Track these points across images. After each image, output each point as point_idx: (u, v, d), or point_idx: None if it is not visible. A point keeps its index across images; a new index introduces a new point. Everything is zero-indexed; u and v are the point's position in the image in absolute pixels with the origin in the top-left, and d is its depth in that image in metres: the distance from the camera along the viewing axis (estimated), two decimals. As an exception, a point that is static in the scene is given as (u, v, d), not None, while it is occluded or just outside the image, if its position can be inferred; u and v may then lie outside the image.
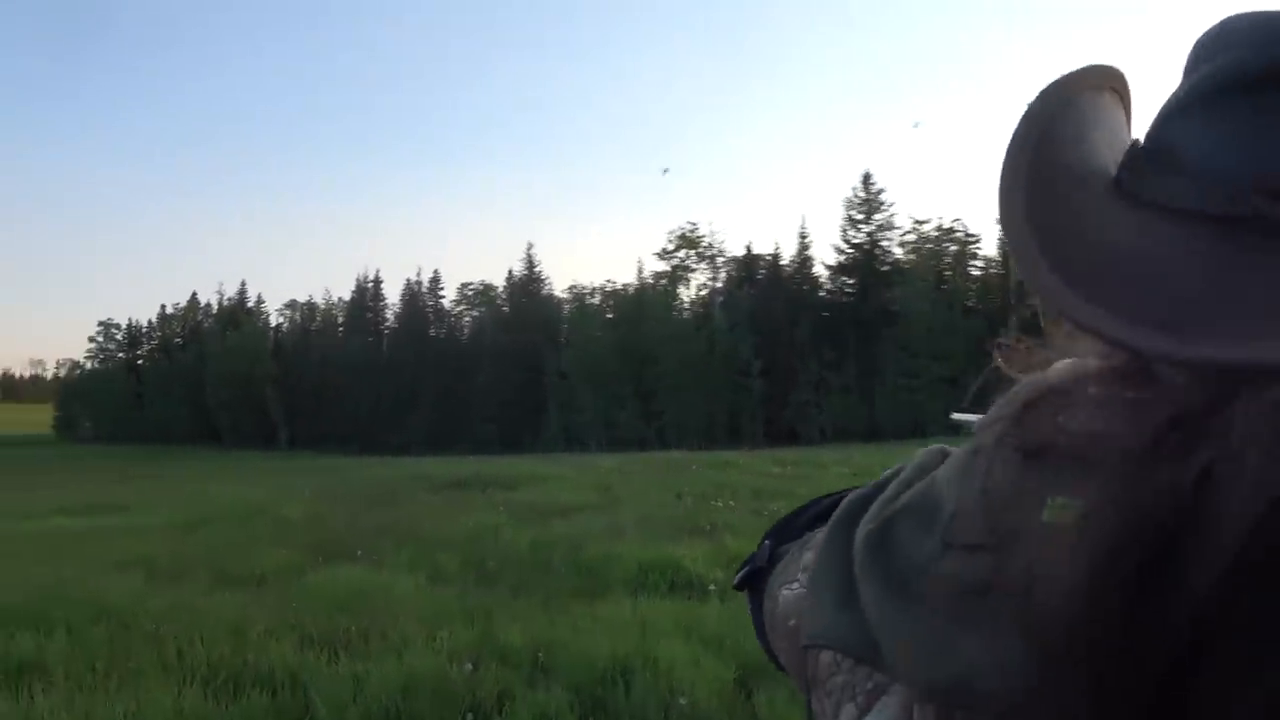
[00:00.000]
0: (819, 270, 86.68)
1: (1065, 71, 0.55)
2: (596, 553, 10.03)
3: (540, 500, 16.14)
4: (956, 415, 0.86)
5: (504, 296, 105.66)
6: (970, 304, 74.65)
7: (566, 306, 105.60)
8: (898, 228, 79.49)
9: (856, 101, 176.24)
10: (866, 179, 79.10)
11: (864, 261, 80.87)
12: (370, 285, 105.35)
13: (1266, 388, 0.39)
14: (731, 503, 15.53)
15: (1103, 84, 0.55)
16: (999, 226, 0.48)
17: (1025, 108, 0.52)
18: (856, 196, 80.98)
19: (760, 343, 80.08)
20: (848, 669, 0.61)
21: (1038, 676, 0.43)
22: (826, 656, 0.63)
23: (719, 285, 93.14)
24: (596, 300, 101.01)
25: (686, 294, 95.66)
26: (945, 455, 0.63)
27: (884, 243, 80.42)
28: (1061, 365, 0.51)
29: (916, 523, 0.58)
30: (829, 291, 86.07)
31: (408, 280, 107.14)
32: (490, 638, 6.69)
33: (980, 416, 0.53)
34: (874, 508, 0.63)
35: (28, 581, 9.03)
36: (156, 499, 19.92)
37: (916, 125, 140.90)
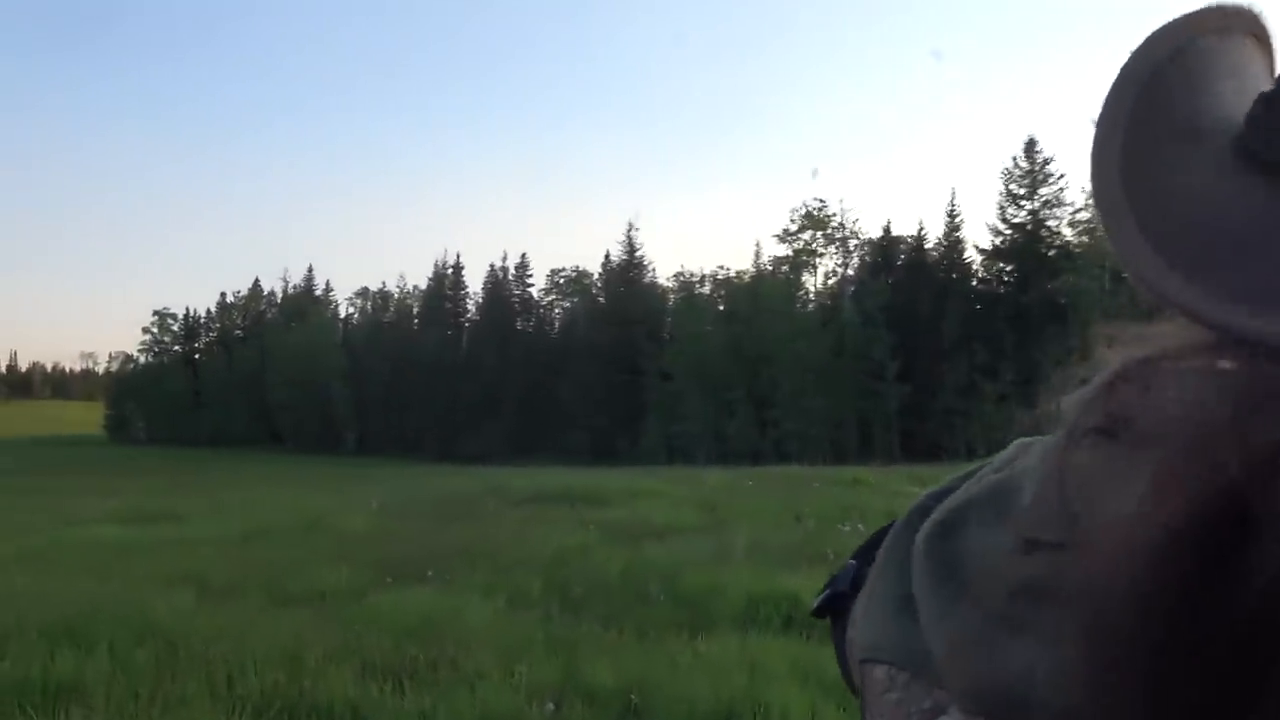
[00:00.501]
0: (971, 255, 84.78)
1: (1189, 9, 0.53)
2: (699, 581, 10.00)
3: (635, 519, 16.20)
4: None
5: (600, 285, 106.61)
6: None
7: (671, 297, 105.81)
8: (1068, 204, 77.03)
9: (1016, 54, 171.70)
10: (1030, 146, 76.77)
11: (1026, 244, 78.68)
12: (449, 272, 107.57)
13: None
14: (860, 526, 15.27)
15: (1237, 26, 0.53)
16: (1090, 186, 0.48)
17: (1133, 48, 0.51)
18: (1018, 167, 78.75)
19: (898, 341, 78.83)
20: (902, 685, 0.62)
21: (1094, 688, 0.44)
22: (880, 672, 0.64)
23: (850, 273, 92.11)
24: (706, 290, 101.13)
25: (812, 283, 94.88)
26: (1026, 449, 0.65)
27: (1050, 222, 78.12)
28: (1154, 339, 0.52)
29: (988, 514, 0.59)
30: (982, 280, 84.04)
31: (491, 266, 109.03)
32: (575, 674, 6.73)
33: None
34: (945, 502, 0.65)
35: (70, 595, 9.47)
36: (211, 507, 20.72)
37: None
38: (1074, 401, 0.55)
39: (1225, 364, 0.45)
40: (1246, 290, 0.42)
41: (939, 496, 0.68)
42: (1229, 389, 0.44)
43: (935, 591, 0.58)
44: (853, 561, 0.82)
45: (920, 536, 0.64)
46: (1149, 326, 0.52)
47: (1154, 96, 0.50)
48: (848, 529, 14.93)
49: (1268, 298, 0.41)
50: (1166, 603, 0.42)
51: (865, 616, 0.67)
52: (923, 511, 0.67)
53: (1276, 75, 0.53)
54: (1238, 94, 0.51)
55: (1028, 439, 0.65)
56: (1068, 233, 78.22)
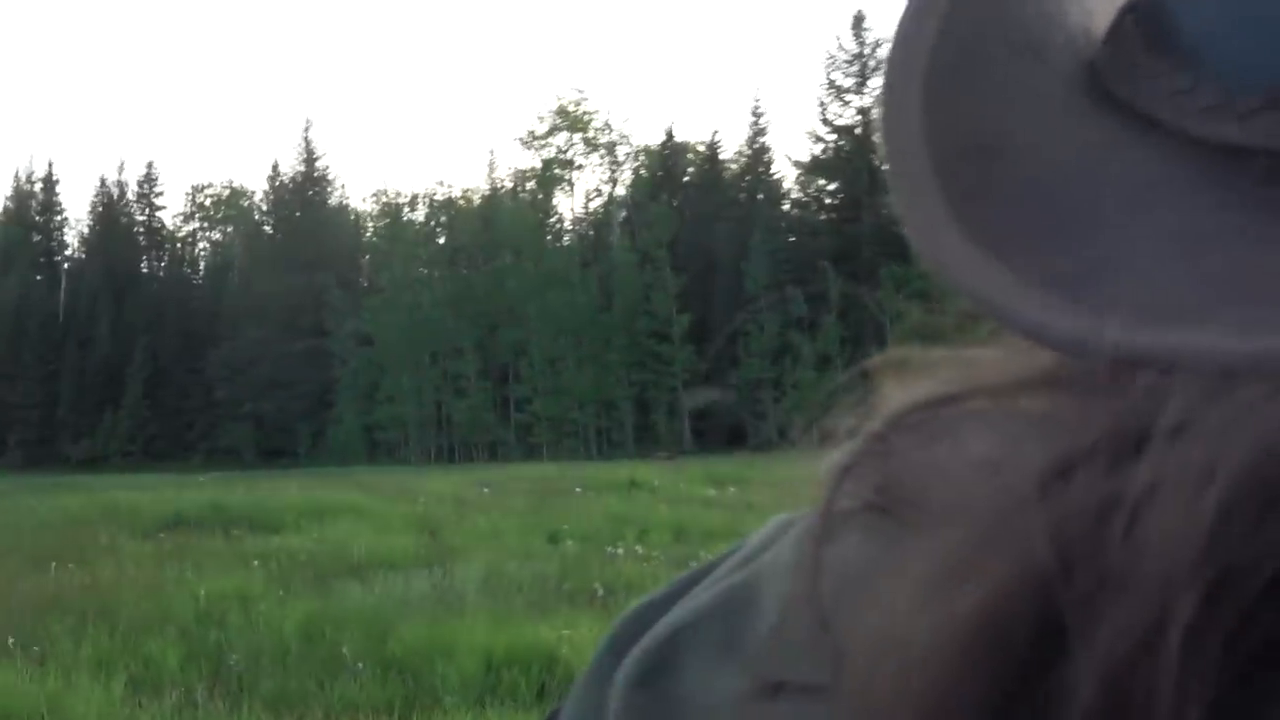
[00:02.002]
0: (782, 170, 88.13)
1: None
2: (416, 638, 10.08)
3: (322, 550, 16.13)
4: None
5: (266, 209, 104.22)
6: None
7: (371, 227, 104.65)
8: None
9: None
10: (858, 22, 79.62)
11: (855, 154, 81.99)
12: (36, 188, 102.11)
13: (1237, 388, 0.36)
14: (639, 549, 15.60)
15: None
16: (878, 120, 0.44)
17: None
18: (842, 50, 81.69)
19: (688, 287, 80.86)
20: None
21: None
22: None
23: (620, 193, 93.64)
24: (419, 216, 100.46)
25: (568, 207, 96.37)
26: (788, 528, 0.62)
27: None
28: (957, 367, 0.49)
29: (711, 644, 0.57)
30: (799, 204, 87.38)
31: (102, 181, 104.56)
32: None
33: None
34: (655, 629, 0.62)
35: None
36: None
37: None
38: (835, 465, 0.51)
39: (1035, 404, 0.43)
40: (1098, 287, 0.38)
41: (645, 618, 0.64)
42: (1040, 441, 0.40)
43: None
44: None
45: (622, 673, 0.61)
46: (953, 349, 0.50)
47: None
48: (621, 552, 15.19)
49: (1136, 301, 0.37)
50: None
51: None
52: (622, 642, 0.64)
53: None
54: (1093, 7, 0.47)
55: (789, 516, 0.63)
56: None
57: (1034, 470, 0.39)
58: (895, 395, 0.51)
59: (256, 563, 14.99)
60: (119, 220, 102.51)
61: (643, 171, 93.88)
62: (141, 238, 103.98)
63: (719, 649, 0.56)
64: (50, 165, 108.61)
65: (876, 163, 79.43)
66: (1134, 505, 0.36)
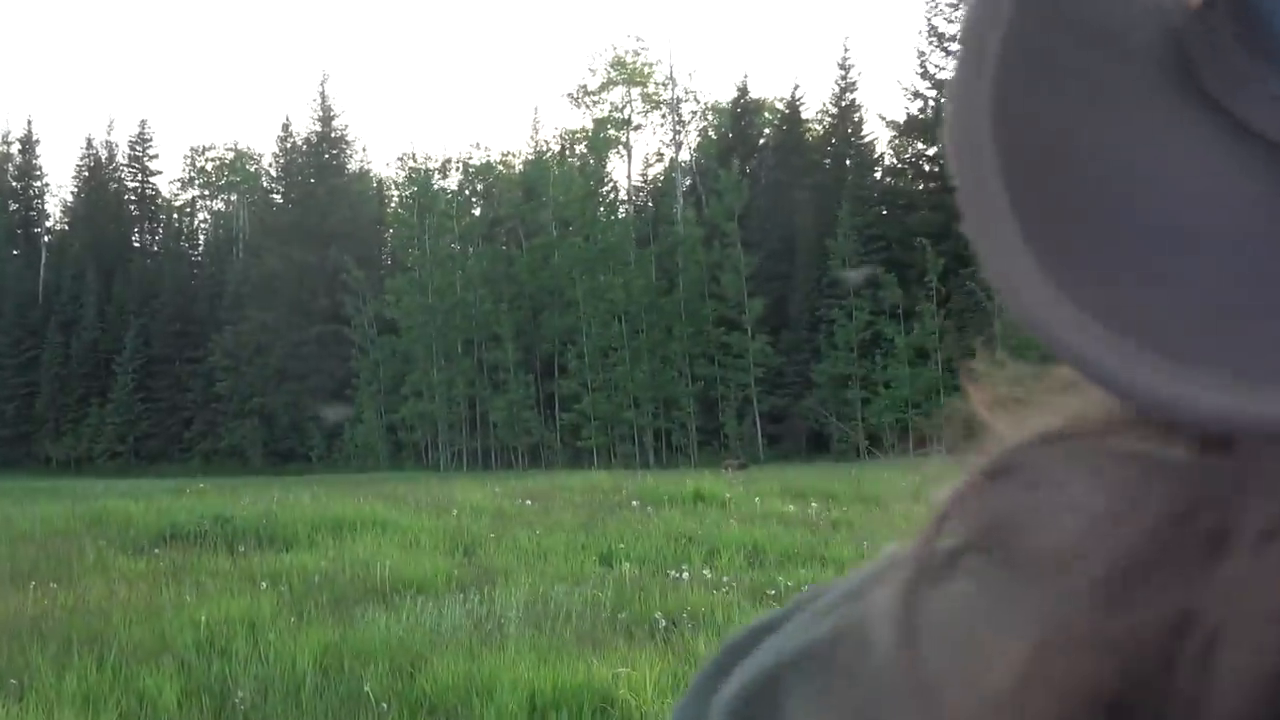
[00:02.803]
0: (874, 131, 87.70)
1: None
2: (451, 674, 10.03)
3: (341, 570, 16.15)
4: None
5: (275, 174, 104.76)
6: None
7: (396, 195, 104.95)
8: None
9: None
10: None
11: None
12: (15, 149, 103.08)
13: None
14: (707, 572, 15.53)
15: None
16: (945, 145, 0.44)
17: None
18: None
19: (762, 267, 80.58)
20: None
21: None
22: None
23: (685, 158, 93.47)
24: (452, 184, 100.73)
25: (623, 172, 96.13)
26: (892, 567, 0.63)
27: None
28: (1054, 397, 0.52)
29: (810, 682, 0.61)
30: (893, 171, 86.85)
31: (89, 141, 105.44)
32: None
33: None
34: (749, 661, 0.66)
35: None
36: None
37: None
38: (939, 501, 0.56)
39: (1138, 446, 0.45)
40: (1197, 340, 0.38)
41: (740, 649, 0.69)
42: (1143, 500, 0.43)
43: None
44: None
45: (720, 702, 0.65)
46: (1050, 369, 0.52)
47: None
48: (686, 577, 15.14)
49: (1238, 359, 0.37)
50: None
51: None
52: (716, 675, 0.68)
53: None
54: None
55: (896, 548, 0.66)
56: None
57: (1131, 546, 0.42)
58: (1002, 427, 0.54)
59: (265, 584, 15.01)
60: (107, 187, 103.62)
61: (711, 133, 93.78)
62: (133, 207, 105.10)
63: (820, 691, 0.60)
64: (29, 123, 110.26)
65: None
66: (1210, 628, 0.38)
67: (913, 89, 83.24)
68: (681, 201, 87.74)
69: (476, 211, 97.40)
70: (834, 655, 0.61)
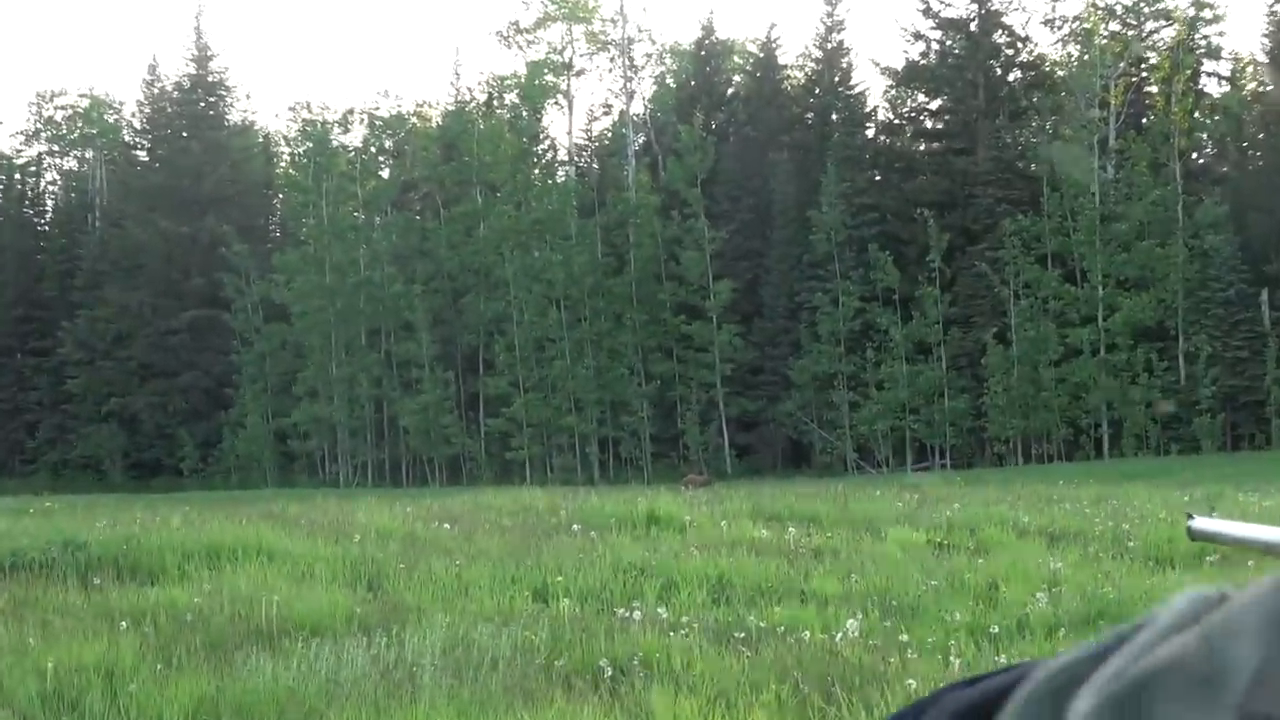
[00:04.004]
0: (865, 81, 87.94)
1: None
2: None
3: (218, 608, 16.07)
4: (1199, 523, 0.91)
5: (140, 125, 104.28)
6: (1201, 164, 76.63)
7: (287, 153, 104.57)
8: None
9: None
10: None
11: (969, 58, 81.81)
12: None
13: None
14: (662, 611, 15.55)
15: None
16: None
17: None
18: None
19: (733, 242, 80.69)
20: None
21: None
22: None
23: (638, 110, 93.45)
24: (354, 139, 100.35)
25: (563, 127, 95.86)
26: (1223, 600, 0.75)
27: (1011, 14, 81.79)
28: None
29: (1183, 690, 0.70)
30: (888, 129, 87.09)
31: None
32: None
33: (1246, 527, 0.67)
34: (1099, 676, 0.76)
35: None
36: None
37: None
38: None
39: None
40: None
41: (1078, 670, 0.79)
42: None
43: None
44: None
45: (1079, 713, 0.75)
46: None
47: None
48: (637, 616, 15.15)
49: None
50: None
51: None
52: (1067, 675, 0.79)
53: None
54: None
55: (1208, 593, 0.77)
56: (1043, 35, 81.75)
57: None
58: None
59: (126, 624, 14.85)
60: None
61: (669, 80, 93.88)
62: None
63: (1199, 692, 0.70)
64: None
65: (996, 71, 79.35)
66: None
67: (913, 29, 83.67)
68: (634, 163, 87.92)
69: (385, 173, 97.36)
70: (1206, 658, 0.71)
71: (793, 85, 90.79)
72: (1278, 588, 0.70)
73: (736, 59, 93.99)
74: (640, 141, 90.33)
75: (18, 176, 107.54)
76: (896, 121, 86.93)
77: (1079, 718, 0.74)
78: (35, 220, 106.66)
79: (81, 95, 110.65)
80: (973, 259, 74.12)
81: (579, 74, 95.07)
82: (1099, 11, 79.69)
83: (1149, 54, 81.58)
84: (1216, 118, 79.30)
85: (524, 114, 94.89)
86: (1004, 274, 73.02)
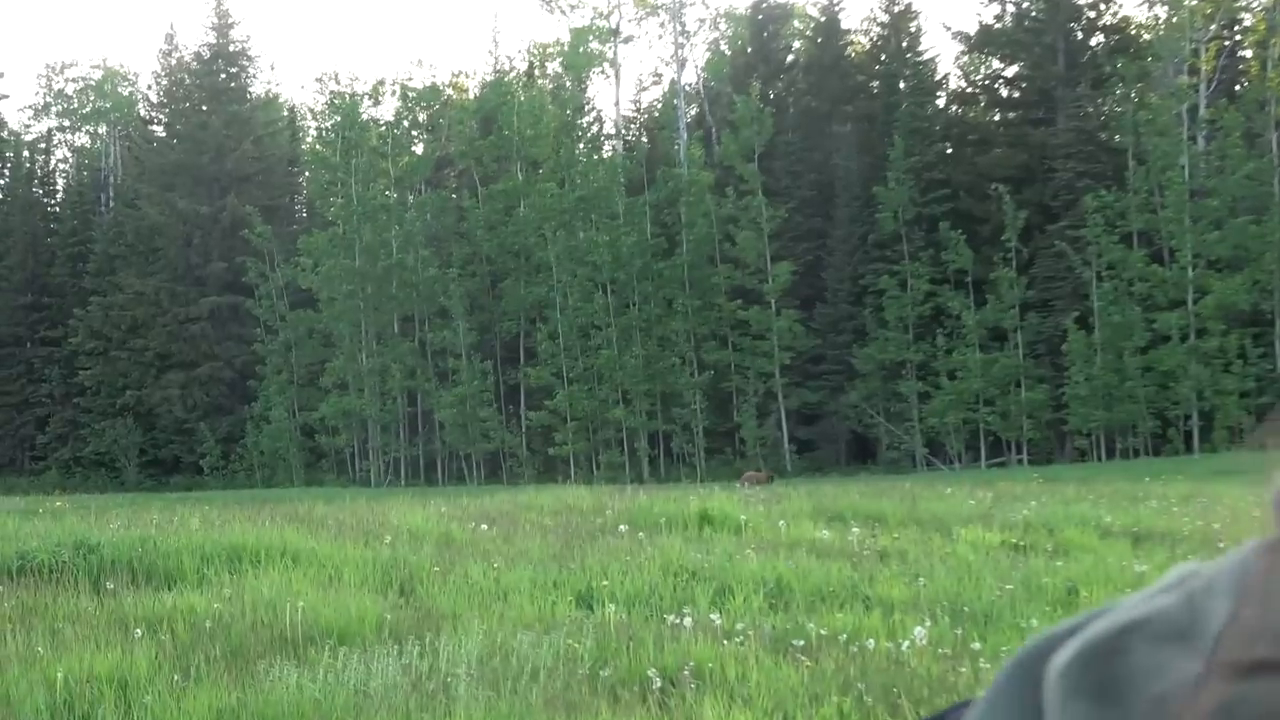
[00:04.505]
0: (935, 47, 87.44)
1: None
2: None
3: (239, 614, 16.08)
4: None
5: (156, 98, 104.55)
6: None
7: (313, 128, 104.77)
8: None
9: None
10: None
11: (1049, 21, 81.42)
12: None
13: None
14: (716, 617, 15.53)
15: None
16: None
17: None
18: None
19: (793, 221, 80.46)
20: None
21: None
22: None
23: (690, 80, 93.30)
24: (386, 113, 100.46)
25: (610, 99, 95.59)
26: (1196, 573, 0.84)
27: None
28: None
29: (1161, 637, 0.77)
30: (961, 98, 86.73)
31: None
32: None
33: None
34: (1081, 633, 0.84)
35: None
36: None
37: None
38: None
39: None
40: None
41: (1053, 644, 0.87)
42: None
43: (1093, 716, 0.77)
44: None
45: (1055, 667, 0.83)
46: None
47: None
48: (689, 623, 15.12)
49: None
50: None
51: None
52: (1035, 663, 0.87)
53: None
54: None
55: (1194, 565, 0.85)
56: (1130, 6, 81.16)
57: None
58: None
59: (141, 631, 14.88)
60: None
61: (724, 48, 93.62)
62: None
63: (1175, 640, 0.77)
64: None
65: (1077, 36, 78.94)
66: None
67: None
68: (686, 136, 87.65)
69: (418, 149, 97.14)
70: (1183, 610, 0.78)
71: (857, 51, 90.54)
72: (1255, 549, 0.77)
73: (796, 23, 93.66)
74: (693, 113, 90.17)
75: (26, 154, 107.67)
76: (969, 90, 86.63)
77: (1058, 669, 0.82)
78: (45, 200, 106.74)
79: (94, 67, 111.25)
80: (1052, 238, 73.75)
81: (627, 41, 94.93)
82: (1189, -31, 79.23)
83: (1243, 15, 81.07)
84: (1316, 84, 78.77)
85: (567, 84, 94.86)
86: (1085, 254, 72.60)
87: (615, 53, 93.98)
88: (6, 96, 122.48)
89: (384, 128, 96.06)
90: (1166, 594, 0.83)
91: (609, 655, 13.50)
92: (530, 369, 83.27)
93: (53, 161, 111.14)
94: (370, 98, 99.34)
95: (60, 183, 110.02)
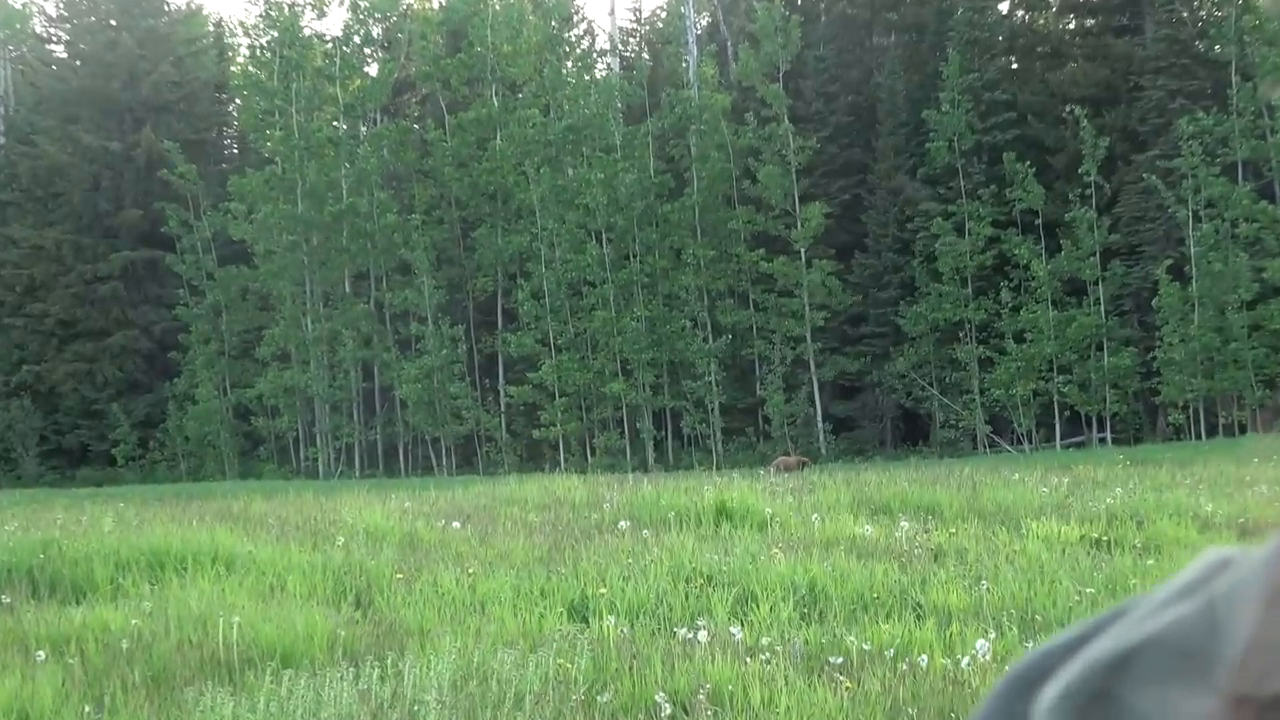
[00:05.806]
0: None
1: None
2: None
3: (163, 632, 16.10)
4: None
5: (53, 12, 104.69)
6: None
7: (245, 46, 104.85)
8: None
9: None
10: None
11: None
12: None
13: None
14: (735, 630, 15.58)
15: None
16: None
17: None
18: None
19: (825, 153, 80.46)
20: None
21: None
22: None
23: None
24: (332, 27, 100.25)
25: (602, 5, 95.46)
26: (1228, 565, 0.82)
27: None
28: None
29: (1166, 667, 0.77)
30: (1027, 3, 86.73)
31: None
32: None
33: None
34: (1085, 655, 0.83)
35: None
36: None
37: None
38: None
39: None
40: None
41: (1050, 661, 0.87)
42: None
43: None
44: None
45: (1044, 705, 0.83)
46: None
47: None
48: (703, 637, 15.17)
49: None
50: None
51: None
52: (1029, 684, 0.88)
53: None
54: None
55: (1225, 551, 0.84)
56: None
57: None
58: None
59: (44, 654, 14.93)
60: None
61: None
62: None
63: (1180, 671, 0.77)
64: None
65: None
66: None
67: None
68: (696, 52, 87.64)
69: (372, 70, 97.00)
70: (1192, 634, 0.77)
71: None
72: (1271, 551, 0.77)
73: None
74: (704, 23, 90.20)
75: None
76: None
77: (1043, 712, 0.82)
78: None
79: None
80: (1139, 171, 73.65)
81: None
82: None
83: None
84: None
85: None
86: (1180, 190, 72.26)
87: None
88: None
89: (330, 45, 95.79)
90: (1187, 599, 0.81)
91: (608, 677, 13.55)
92: (510, 335, 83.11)
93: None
94: (313, 8, 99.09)
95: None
